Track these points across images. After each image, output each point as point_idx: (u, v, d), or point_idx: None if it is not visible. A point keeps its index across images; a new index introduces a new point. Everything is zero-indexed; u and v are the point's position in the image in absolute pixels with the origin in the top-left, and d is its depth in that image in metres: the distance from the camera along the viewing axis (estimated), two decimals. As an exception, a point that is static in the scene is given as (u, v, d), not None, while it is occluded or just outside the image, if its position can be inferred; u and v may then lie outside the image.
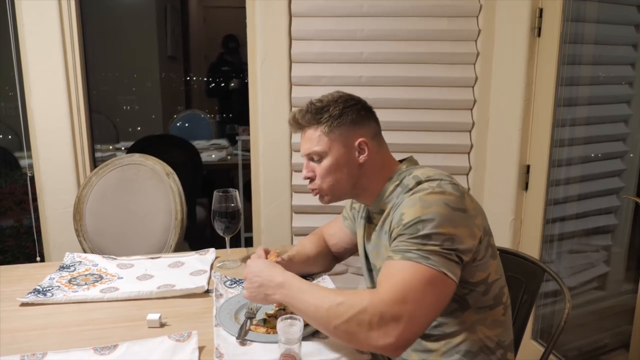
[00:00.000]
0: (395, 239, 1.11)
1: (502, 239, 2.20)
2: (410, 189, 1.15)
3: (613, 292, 2.48)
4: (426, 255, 1.05)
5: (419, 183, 1.15)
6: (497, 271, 1.21)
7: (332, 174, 1.24)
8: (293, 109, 2.26)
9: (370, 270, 1.35)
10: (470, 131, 2.27)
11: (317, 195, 1.30)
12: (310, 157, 1.26)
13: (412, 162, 1.30)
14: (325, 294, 1.08)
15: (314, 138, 1.24)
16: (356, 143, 1.23)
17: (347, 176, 1.24)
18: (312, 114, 1.24)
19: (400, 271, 1.05)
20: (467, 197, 1.16)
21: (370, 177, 1.25)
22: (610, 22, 2.27)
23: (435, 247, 1.05)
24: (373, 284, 1.34)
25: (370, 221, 1.32)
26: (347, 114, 1.23)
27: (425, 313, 1.04)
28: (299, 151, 2.28)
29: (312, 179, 1.28)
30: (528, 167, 2.18)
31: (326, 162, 1.24)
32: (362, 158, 1.23)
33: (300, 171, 2.28)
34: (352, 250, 1.51)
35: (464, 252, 1.09)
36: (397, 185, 1.22)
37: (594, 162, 2.35)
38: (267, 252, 1.35)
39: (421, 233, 1.06)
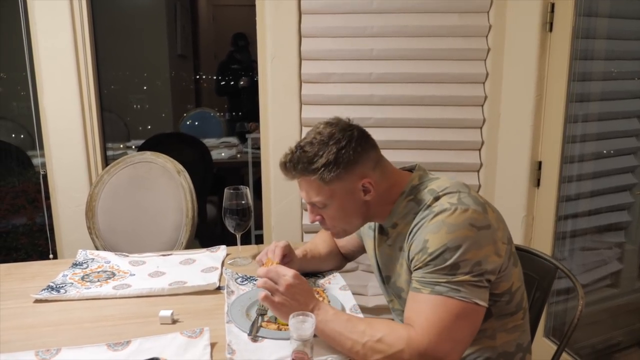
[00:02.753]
0: (419, 267, 1.08)
1: (514, 236, 2.15)
2: (429, 206, 1.11)
3: (626, 289, 2.45)
4: (456, 288, 1.03)
5: (436, 198, 1.11)
6: (519, 278, 1.19)
7: (341, 217, 1.19)
8: (302, 107, 2.26)
9: (384, 282, 1.31)
10: (481, 128, 2.25)
11: (331, 232, 1.26)
12: (312, 204, 1.19)
13: (422, 171, 1.23)
14: (363, 328, 1.07)
15: (313, 188, 1.15)
16: (359, 185, 1.15)
17: (356, 215, 1.19)
18: (305, 164, 1.12)
19: (432, 307, 1.04)
20: (489, 208, 1.12)
21: (380, 205, 1.19)
22: (623, 16, 2.24)
23: (464, 276, 1.03)
24: (389, 297, 1.31)
25: (382, 232, 1.27)
26: (343, 156, 1.11)
27: (462, 346, 1.06)
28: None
29: (320, 221, 1.22)
30: (540, 163, 2.16)
31: (332, 209, 1.17)
32: (368, 197, 1.16)
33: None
34: (361, 251, 1.50)
35: (492, 272, 1.07)
36: (411, 200, 1.17)
37: (606, 159, 2.33)
38: (284, 255, 1.34)
39: (449, 263, 1.04)
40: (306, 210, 2.33)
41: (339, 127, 1.15)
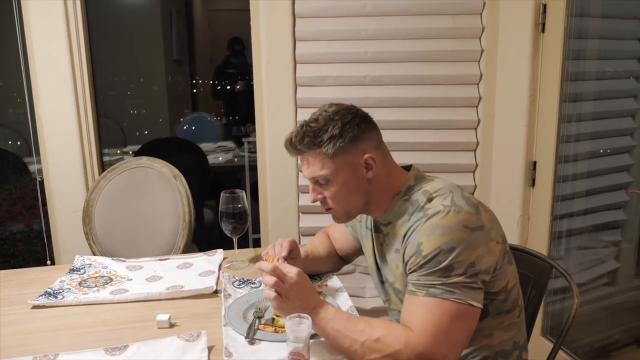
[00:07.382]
0: (414, 270, 1.09)
1: (510, 236, 2.17)
2: (422, 207, 1.13)
3: (623, 287, 2.46)
4: (451, 290, 1.04)
5: (429, 200, 1.13)
6: (514, 276, 1.20)
7: (343, 196, 1.19)
8: (297, 111, 2.27)
9: (382, 282, 1.31)
10: (476, 129, 2.26)
11: (332, 215, 1.25)
12: (315, 180, 1.20)
13: (417, 171, 1.25)
14: (362, 328, 1.08)
15: (317, 162, 1.17)
16: (362, 160, 1.17)
17: (358, 194, 1.19)
18: (311, 138, 1.15)
19: (428, 310, 1.05)
20: (481, 208, 1.13)
21: (380, 190, 1.21)
22: (615, 16, 2.26)
23: (459, 277, 1.04)
24: (387, 297, 1.31)
25: (377, 231, 1.28)
26: (348, 131, 1.15)
27: (459, 348, 1.07)
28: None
29: (321, 201, 1.22)
30: (535, 163, 2.17)
31: (334, 185, 1.18)
32: (370, 174, 1.18)
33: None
34: (357, 253, 1.51)
35: (486, 272, 1.08)
36: (406, 201, 1.19)
37: (601, 158, 2.34)
38: (290, 250, 1.35)
39: (443, 265, 1.05)
40: (303, 213, 2.35)
41: (344, 106, 1.20)
